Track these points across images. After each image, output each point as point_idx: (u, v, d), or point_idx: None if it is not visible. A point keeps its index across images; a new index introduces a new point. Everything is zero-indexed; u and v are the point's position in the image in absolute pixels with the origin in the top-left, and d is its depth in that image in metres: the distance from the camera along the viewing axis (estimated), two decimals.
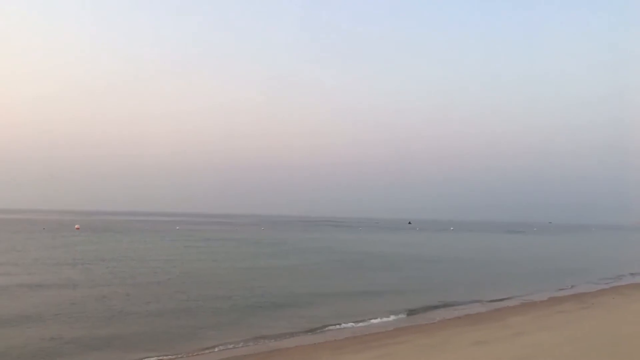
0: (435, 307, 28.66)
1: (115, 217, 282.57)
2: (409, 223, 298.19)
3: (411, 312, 26.95)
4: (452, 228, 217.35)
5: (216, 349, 19.20)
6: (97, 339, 19.50)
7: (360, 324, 23.86)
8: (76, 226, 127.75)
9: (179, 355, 18.25)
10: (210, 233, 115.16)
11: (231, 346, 19.68)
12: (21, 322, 21.62)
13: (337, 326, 23.28)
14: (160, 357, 17.93)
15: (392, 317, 25.51)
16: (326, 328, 22.92)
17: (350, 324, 23.68)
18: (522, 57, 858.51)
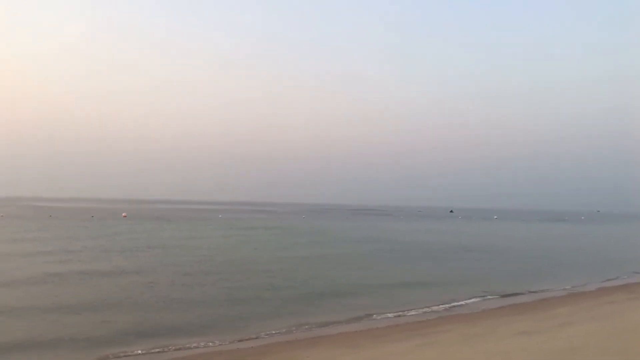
0: (479, 297, 28.33)
1: (160, 205, 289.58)
2: (451, 211, 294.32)
3: (454, 302, 26.73)
4: (495, 217, 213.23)
5: (260, 336, 19.61)
6: (145, 326, 20.17)
7: (402, 313, 23.85)
8: (123, 214, 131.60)
9: (224, 342, 18.72)
10: (253, 221, 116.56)
11: (274, 332, 20.07)
12: (73, 308, 22.52)
13: (380, 315, 23.33)
14: (206, 344, 18.45)
15: (434, 308, 25.34)
16: (368, 317, 23.00)
17: (392, 314, 23.68)
18: (575, 36, 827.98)
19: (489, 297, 28.64)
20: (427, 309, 25.04)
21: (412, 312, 24.24)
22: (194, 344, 18.29)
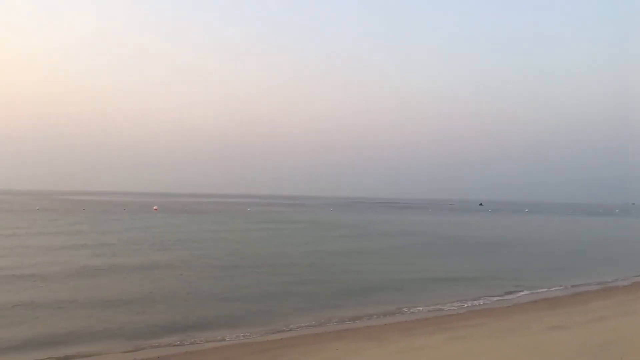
0: (510, 292, 27.93)
1: (189, 198, 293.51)
2: (480, 204, 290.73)
3: (485, 296, 26.41)
4: (526, 210, 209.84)
5: (289, 329, 19.77)
6: (177, 319, 20.48)
7: (432, 307, 23.66)
8: (154, 207, 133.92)
9: (253, 334, 18.93)
10: (281, 215, 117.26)
11: (303, 325, 20.20)
12: (108, 302, 22.95)
13: (409, 309, 23.22)
14: (237, 336, 18.70)
15: (464, 302, 25.04)
16: (397, 311, 22.88)
17: (421, 308, 23.52)
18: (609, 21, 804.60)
19: (521, 291, 28.20)
20: (458, 303, 24.78)
21: (442, 306, 24.00)
22: (225, 336, 18.54)
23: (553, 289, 29.11)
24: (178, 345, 17.51)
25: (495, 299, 25.99)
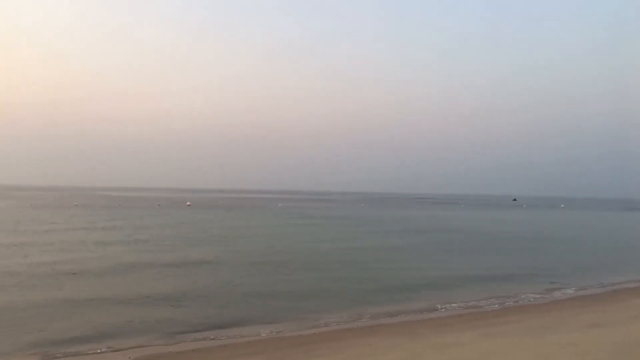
0: (547, 289, 27.45)
1: (221, 194, 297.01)
2: (514, 200, 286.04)
3: (521, 293, 26.00)
4: (562, 205, 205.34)
5: (322, 324, 19.91)
6: (213, 315, 20.80)
7: (466, 304, 23.44)
8: (187, 203, 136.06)
9: (287, 330, 19.13)
10: (312, 211, 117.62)
11: (336, 321, 20.32)
12: (145, 298, 23.43)
13: (442, 306, 23.06)
14: (271, 331, 18.94)
15: (500, 299, 24.69)
16: (431, 307, 22.72)
17: (455, 304, 23.35)
18: None
19: (558, 288, 27.71)
20: (492, 300, 24.50)
21: (477, 303, 23.77)
22: (259, 331, 18.81)
23: (591, 286, 28.52)
24: (213, 339, 17.85)
25: (531, 296, 25.59)
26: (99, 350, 16.23)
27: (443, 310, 22.43)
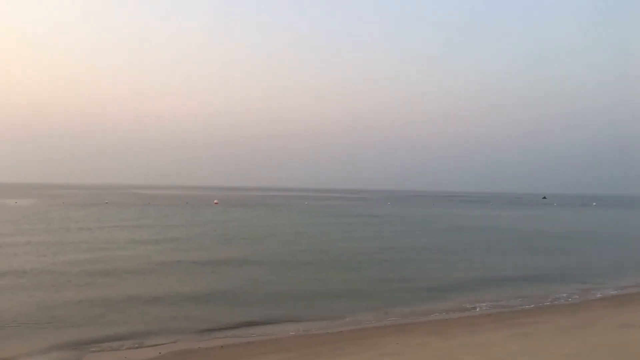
0: (579, 288, 26.95)
1: (247, 192, 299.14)
2: (544, 198, 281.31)
3: (552, 293, 25.56)
4: (594, 203, 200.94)
5: (350, 322, 19.96)
6: (241, 312, 20.99)
7: (497, 304, 23.14)
8: (215, 201, 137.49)
9: (315, 328, 19.21)
10: (338, 208, 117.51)
11: (365, 319, 20.31)
12: (176, 297, 23.77)
13: (472, 304, 22.86)
14: (299, 328, 19.07)
15: (531, 298, 24.26)
16: (461, 307, 22.51)
17: (485, 304, 23.07)
18: None
19: (590, 288, 27.16)
20: (523, 299, 24.15)
21: (507, 303, 23.47)
22: (288, 329, 18.95)
23: (625, 286, 27.88)
24: (241, 336, 18.04)
25: (563, 296, 25.14)
26: (131, 346, 16.58)
27: (473, 309, 22.22)
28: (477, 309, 22.21)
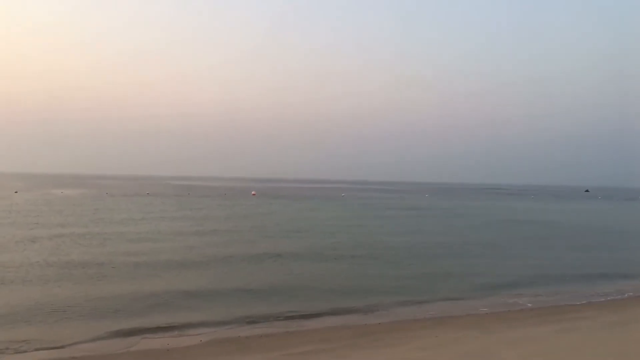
0: (625, 284, 26.26)
1: (284, 184, 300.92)
2: (586, 191, 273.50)
3: (596, 289, 25.00)
4: None
5: (388, 314, 20.01)
6: (280, 304, 21.22)
7: (538, 299, 22.74)
8: (252, 192, 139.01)
9: (353, 320, 19.34)
10: (375, 201, 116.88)
11: (404, 311, 20.36)
12: (218, 292, 23.56)
13: (512, 299, 22.56)
14: (337, 320, 19.24)
15: (574, 294, 23.77)
16: (502, 302, 22.19)
17: (526, 298, 22.70)
18: None
19: (636, 284, 26.37)
20: (566, 295, 23.69)
21: (550, 298, 23.05)
22: (326, 321, 19.14)
23: None
24: (280, 327, 18.32)
25: (607, 292, 24.52)
26: (173, 335, 17.11)
27: (514, 304, 21.92)
28: (519, 304, 21.90)
